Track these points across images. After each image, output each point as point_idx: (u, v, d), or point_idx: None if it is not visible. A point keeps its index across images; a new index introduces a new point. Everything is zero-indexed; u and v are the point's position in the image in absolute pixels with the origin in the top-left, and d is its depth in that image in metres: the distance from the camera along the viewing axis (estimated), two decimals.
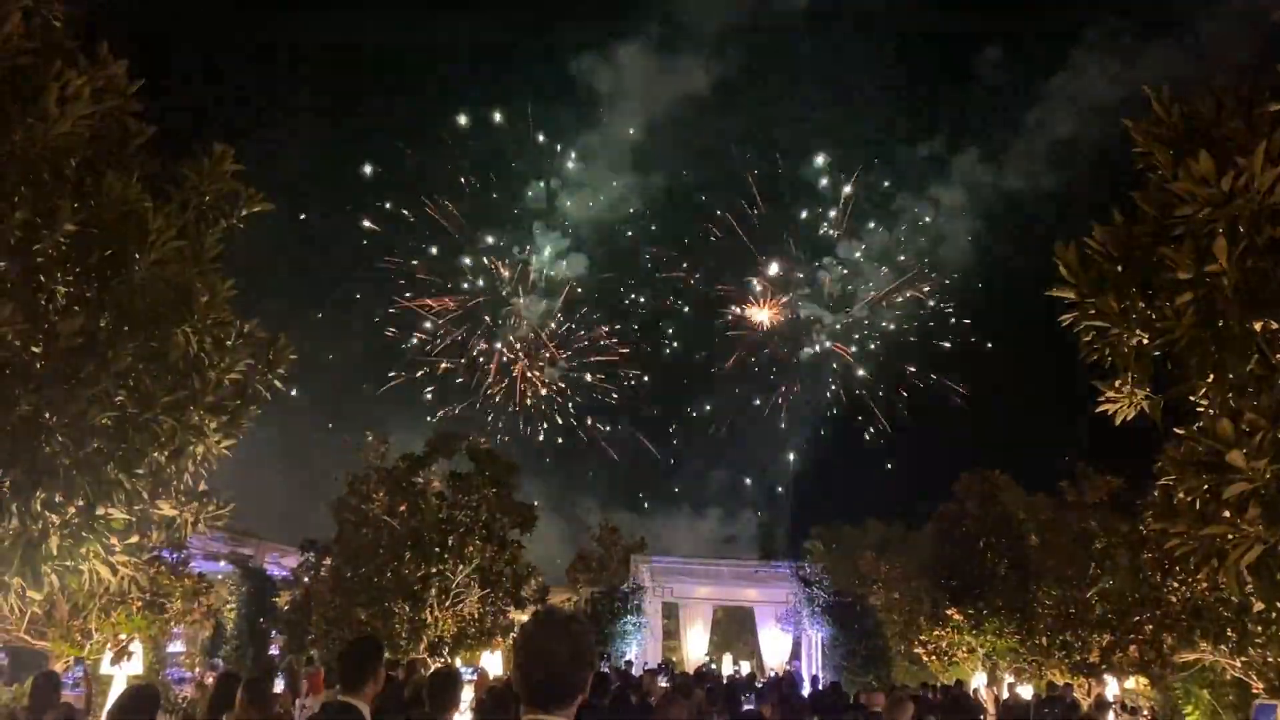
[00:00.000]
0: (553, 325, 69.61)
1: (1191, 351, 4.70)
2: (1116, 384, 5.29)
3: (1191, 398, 5.12)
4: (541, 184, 71.25)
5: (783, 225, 70.96)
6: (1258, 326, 4.46)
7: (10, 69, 5.26)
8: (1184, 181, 4.43)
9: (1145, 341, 4.96)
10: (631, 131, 71.88)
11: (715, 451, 69.02)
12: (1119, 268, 5.03)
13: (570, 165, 73.07)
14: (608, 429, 69.69)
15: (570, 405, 69.38)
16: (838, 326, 70.04)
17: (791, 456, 69.11)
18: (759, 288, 70.14)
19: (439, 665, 16.39)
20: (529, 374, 67.49)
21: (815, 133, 72.58)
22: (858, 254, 70.04)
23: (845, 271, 70.53)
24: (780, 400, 69.70)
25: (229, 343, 6.48)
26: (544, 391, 67.61)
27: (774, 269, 69.05)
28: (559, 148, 71.98)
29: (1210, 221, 4.40)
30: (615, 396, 69.96)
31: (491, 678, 15.59)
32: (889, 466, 66.84)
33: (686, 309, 71.24)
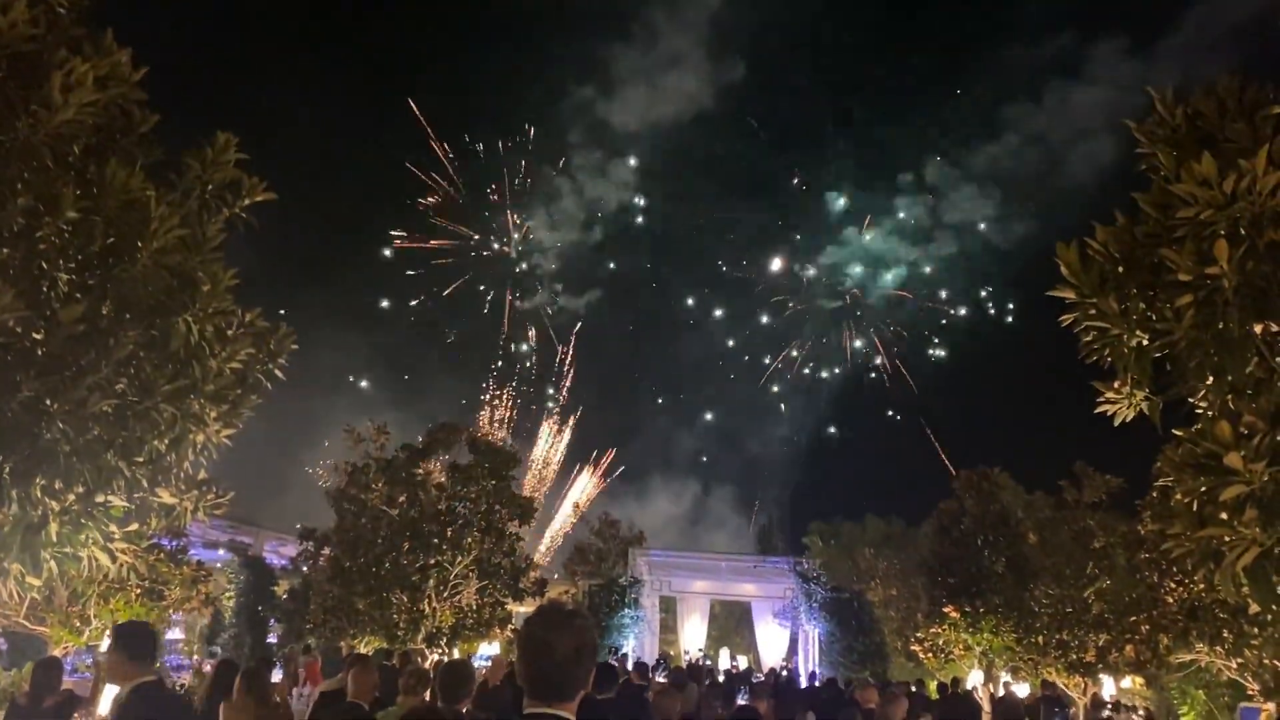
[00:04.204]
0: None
1: (1191, 353, 4.70)
2: (1116, 385, 5.29)
3: (1191, 399, 5.12)
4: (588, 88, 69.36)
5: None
6: (1258, 329, 4.46)
7: (15, 56, 5.26)
8: (1186, 183, 4.43)
9: (1145, 343, 4.97)
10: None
11: (703, 429, 68.22)
12: (1120, 268, 5.03)
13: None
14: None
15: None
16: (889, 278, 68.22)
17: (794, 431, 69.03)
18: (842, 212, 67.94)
19: (436, 655, 16.45)
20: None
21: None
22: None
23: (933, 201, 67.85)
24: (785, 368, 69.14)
25: (230, 332, 6.48)
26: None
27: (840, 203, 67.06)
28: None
29: (1211, 224, 4.40)
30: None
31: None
32: (889, 461, 66.77)
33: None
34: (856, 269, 71.47)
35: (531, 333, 70.27)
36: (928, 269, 69.74)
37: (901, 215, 70.61)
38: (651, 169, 71.80)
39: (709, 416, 71.14)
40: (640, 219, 72.18)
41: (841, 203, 69.89)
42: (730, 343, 72.11)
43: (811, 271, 71.10)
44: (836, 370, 70.88)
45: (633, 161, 71.41)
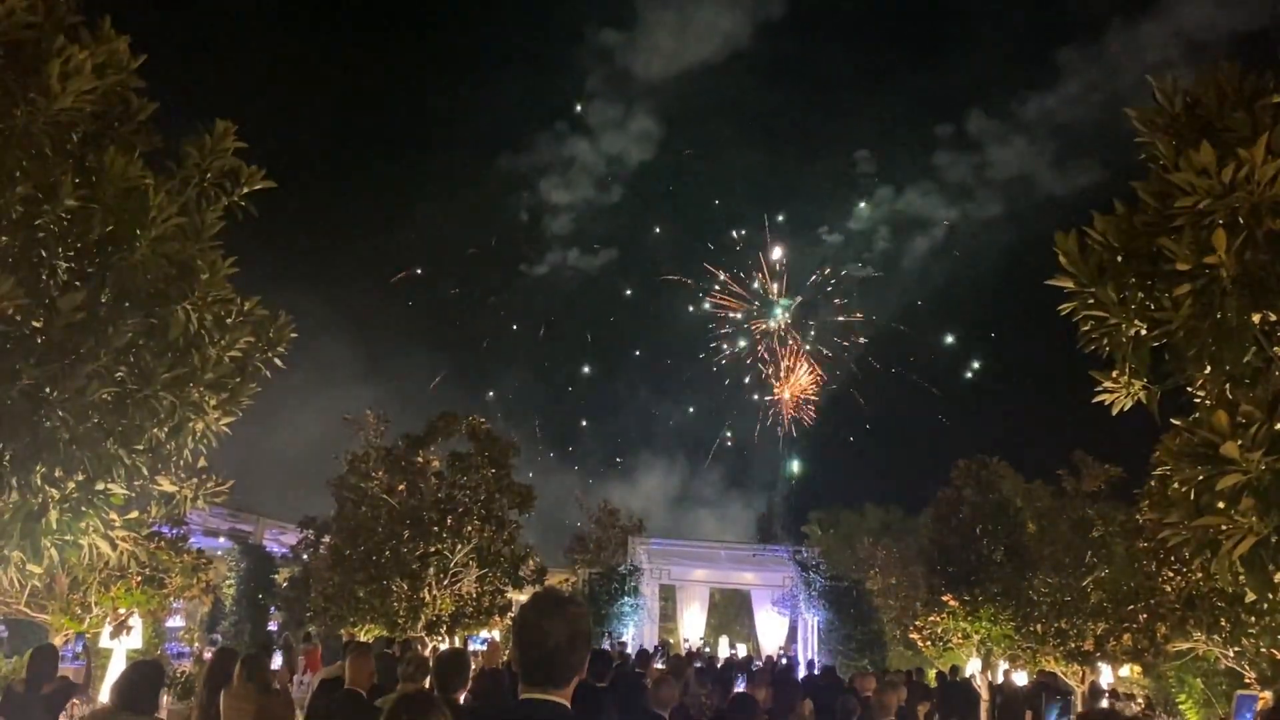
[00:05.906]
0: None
1: (1189, 343, 4.70)
2: (1114, 374, 5.30)
3: (1189, 389, 5.13)
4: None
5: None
6: (1255, 318, 4.47)
7: (13, 43, 5.25)
8: (1185, 172, 4.43)
9: (1143, 332, 4.97)
10: None
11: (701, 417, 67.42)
12: (1119, 258, 5.03)
13: None
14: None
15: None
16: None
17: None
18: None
19: (436, 643, 16.51)
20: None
21: None
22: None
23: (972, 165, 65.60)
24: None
25: (229, 320, 6.48)
26: None
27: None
28: None
29: (1210, 213, 4.40)
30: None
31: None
32: (889, 451, 66.65)
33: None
34: (884, 233, 70.06)
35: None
36: (950, 240, 68.72)
37: (939, 174, 68.90)
38: (673, 121, 70.35)
39: (722, 400, 70.78)
40: (656, 176, 70.87)
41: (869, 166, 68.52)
42: (734, 310, 71.50)
43: (838, 236, 69.94)
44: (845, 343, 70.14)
45: (654, 113, 69.99)
